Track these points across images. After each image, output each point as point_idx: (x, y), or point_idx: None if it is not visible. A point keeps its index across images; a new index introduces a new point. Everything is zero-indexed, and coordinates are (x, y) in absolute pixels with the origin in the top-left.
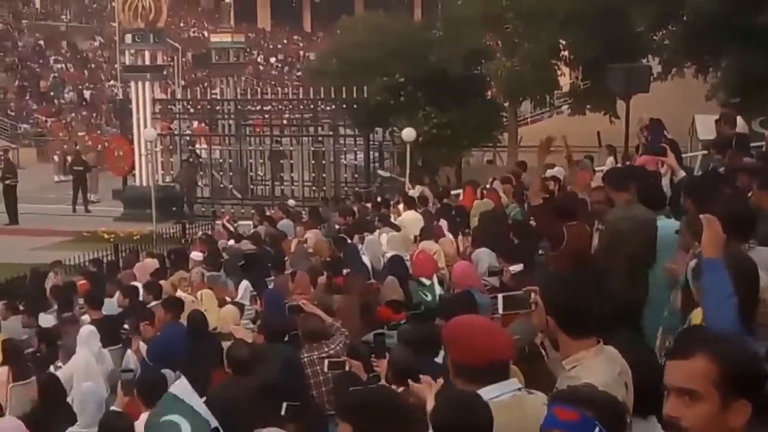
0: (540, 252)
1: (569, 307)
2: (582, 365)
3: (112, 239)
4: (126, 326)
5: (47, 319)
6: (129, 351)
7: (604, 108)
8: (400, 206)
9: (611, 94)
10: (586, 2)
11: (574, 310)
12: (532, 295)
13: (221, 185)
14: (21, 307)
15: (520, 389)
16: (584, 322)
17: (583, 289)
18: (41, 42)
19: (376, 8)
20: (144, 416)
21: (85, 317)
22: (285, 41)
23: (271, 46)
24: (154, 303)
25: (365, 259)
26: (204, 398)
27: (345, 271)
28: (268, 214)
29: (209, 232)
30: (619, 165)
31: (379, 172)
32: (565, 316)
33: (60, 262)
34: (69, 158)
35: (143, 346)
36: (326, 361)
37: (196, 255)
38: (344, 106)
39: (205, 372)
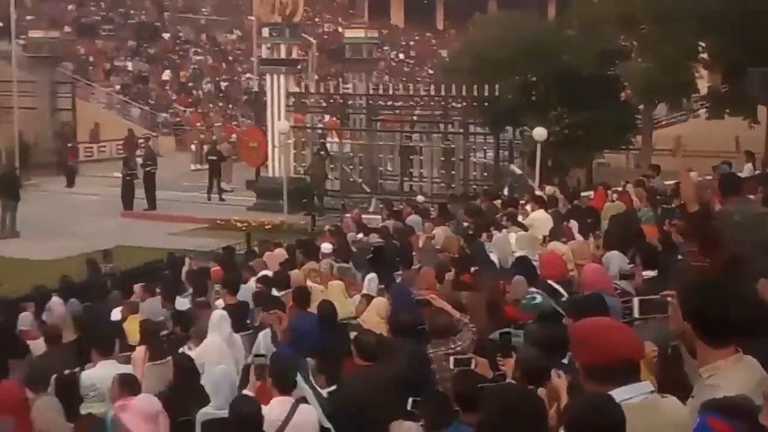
0: (679, 258)
1: (709, 315)
2: (719, 374)
3: (244, 228)
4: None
5: (182, 303)
6: (260, 336)
7: (744, 113)
8: (528, 206)
9: (751, 98)
10: (726, 3)
11: (714, 319)
12: (670, 300)
13: (351, 179)
14: (158, 290)
15: (652, 392)
16: (723, 330)
17: (723, 297)
18: (182, 34)
19: (510, 7)
20: (276, 401)
21: (219, 302)
22: (417, 38)
23: (403, 43)
24: (283, 293)
25: (493, 257)
26: (335, 386)
27: (473, 269)
28: (396, 209)
29: (338, 225)
30: (758, 171)
31: (512, 167)
32: (703, 323)
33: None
34: (205, 148)
35: (269, 335)
36: (452, 358)
37: (326, 246)
38: (475, 103)
39: (335, 361)
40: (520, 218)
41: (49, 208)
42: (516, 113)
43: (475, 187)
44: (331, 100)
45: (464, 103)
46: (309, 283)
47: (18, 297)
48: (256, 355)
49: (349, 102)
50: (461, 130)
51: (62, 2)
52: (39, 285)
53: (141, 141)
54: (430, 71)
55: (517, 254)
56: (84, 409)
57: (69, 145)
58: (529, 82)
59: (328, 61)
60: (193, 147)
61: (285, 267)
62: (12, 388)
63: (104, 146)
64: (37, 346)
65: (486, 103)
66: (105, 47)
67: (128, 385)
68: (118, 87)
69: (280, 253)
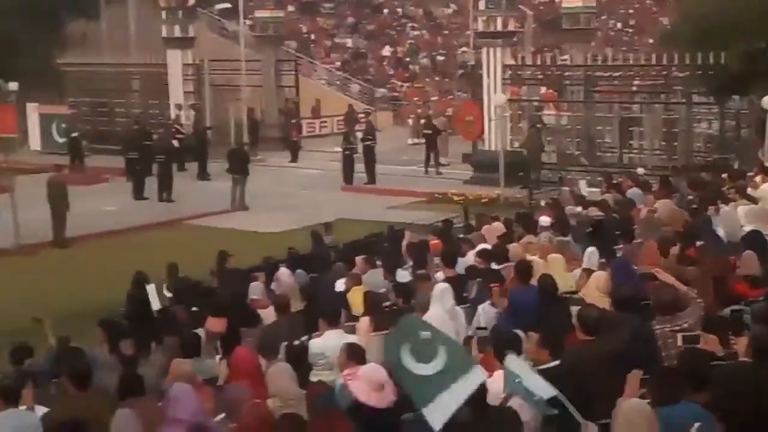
0: None
1: None
2: None
3: (461, 201)
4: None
5: (403, 275)
6: (479, 309)
7: None
8: (758, 178)
9: None
10: None
11: None
12: None
13: (568, 151)
14: (378, 263)
15: None
16: None
17: None
18: (399, 10)
19: None
20: (499, 374)
21: (439, 275)
22: (636, 6)
23: (622, 11)
24: (503, 266)
25: (719, 232)
26: (558, 361)
27: (698, 243)
28: (615, 182)
29: (556, 198)
30: None
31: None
32: None
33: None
34: (422, 122)
35: (492, 310)
36: (680, 335)
37: (544, 220)
38: (698, 72)
39: (557, 335)
40: (749, 190)
41: (275, 183)
42: (743, 81)
43: (698, 158)
44: (548, 72)
45: (686, 72)
46: (527, 256)
47: (248, 268)
48: (478, 328)
49: (566, 74)
50: (684, 100)
51: None
52: (267, 256)
53: (361, 116)
54: (650, 40)
55: (746, 228)
56: (313, 377)
57: (292, 121)
58: (758, 49)
59: (544, 32)
60: (410, 121)
61: (503, 240)
62: (246, 354)
63: (325, 122)
64: (268, 314)
65: (710, 72)
66: (325, 25)
67: (356, 355)
68: (338, 63)
69: (498, 227)
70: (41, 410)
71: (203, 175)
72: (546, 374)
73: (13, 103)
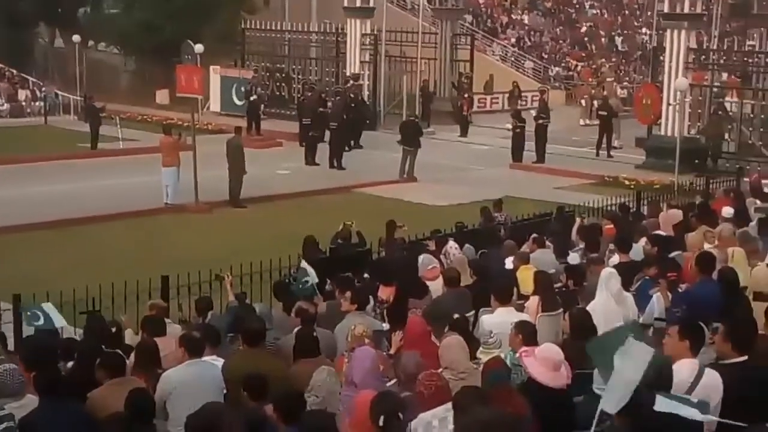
0: None
1: None
2: None
3: (632, 186)
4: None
5: (573, 258)
6: (654, 298)
7: None
8: None
9: None
10: None
11: None
12: None
13: (749, 141)
14: (548, 243)
15: None
16: None
17: None
18: None
19: None
20: (683, 362)
21: (613, 259)
22: None
23: None
24: (675, 253)
25: None
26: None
27: None
28: None
29: (737, 188)
30: None
31: None
32: None
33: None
34: (596, 103)
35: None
36: None
37: (727, 210)
38: None
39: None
40: None
41: (444, 156)
42: None
43: None
44: (734, 58)
45: None
46: (706, 246)
47: (417, 239)
48: (657, 319)
49: (752, 60)
50: None
51: None
52: (435, 229)
53: (534, 94)
54: None
55: None
56: (482, 354)
57: (465, 95)
58: None
59: (730, 16)
60: (583, 102)
61: (680, 229)
62: (420, 322)
63: (497, 98)
64: (436, 287)
65: None
66: (503, 0)
67: (529, 334)
68: (513, 40)
69: (675, 214)
70: (220, 362)
71: (357, 144)
72: (732, 369)
73: (198, 65)
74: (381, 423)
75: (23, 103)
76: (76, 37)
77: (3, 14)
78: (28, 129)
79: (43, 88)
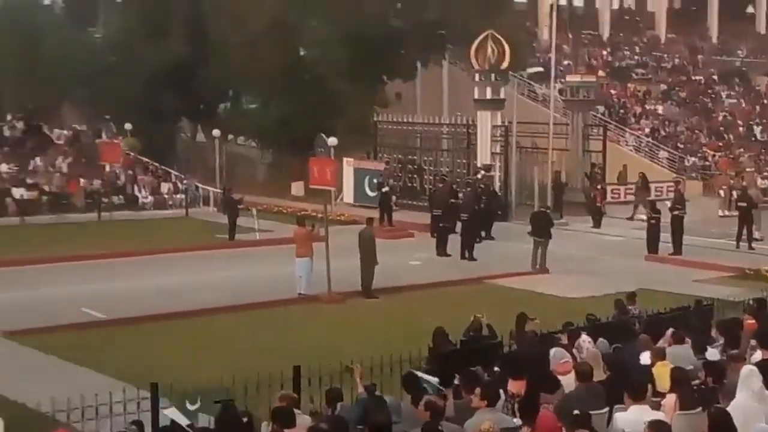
0: None
1: None
2: None
3: None
4: None
5: (712, 353)
6: None
7: None
8: None
9: None
10: None
11: None
12: None
13: None
14: (687, 339)
15: None
16: None
17: None
18: (715, 77)
19: None
20: None
21: (755, 356)
22: None
23: None
24: None
25: None
26: None
27: None
28: None
29: None
30: None
31: None
32: None
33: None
34: (735, 194)
35: None
36: None
37: None
38: None
39: None
40: None
41: (576, 247)
42: None
43: None
44: None
45: None
46: None
47: (548, 332)
48: None
49: None
50: None
51: (598, 47)
52: (567, 321)
53: (670, 185)
54: None
55: None
56: None
57: (598, 186)
58: None
59: None
60: (721, 192)
61: None
62: (551, 418)
63: (631, 188)
64: (568, 381)
65: None
66: (636, 91)
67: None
68: (647, 130)
69: None
70: None
71: (488, 235)
72: None
73: (331, 158)
74: None
75: (165, 196)
76: (216, 132)
77: (148, 110)
78: (169, 221)
79: (185, 181)
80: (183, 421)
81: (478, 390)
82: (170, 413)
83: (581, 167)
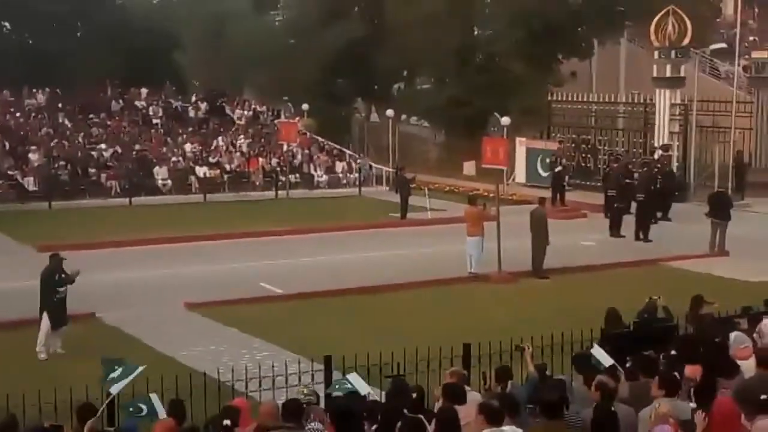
0: None
1: None
2: None
3: None
4: None
5: None
6: None
7: None
8: None
9: None
10: None
11: None
12: None
13: None
14: None
15: None
16: None
17: None
18: None
19: None
20: None
21: None
22: None
23: None
24: None
25: None
26: None
27: None
28: None
29: None
30: None
31: None
32: None
33: None
34: None
35: None
36: None
37: None
38: None
39: None
40: None
41: (759, 230)
42: None
43: None
44: None
45: None
46: None
47: (727, 316)
48: None
49: None
50: None
51: None
52: (747, 306)
53: None
54: None
55: None
56: None
57: None
58: None
59: None
60: None
61: None
62: (729, 403)
63: None
64: (748, 366)
65: None
66: None
67: None
68: None
69: None
70: None
71: (665, 216)
72: None
73: (504, 137)
74: None
75: (340, 175)
76: (389, 112)
77: (324, 91)
78: (343, 199)
79: (359, 160)
80: (363, 388)
81: (656, 378)
82: (353, 378)
83: (766, 147)
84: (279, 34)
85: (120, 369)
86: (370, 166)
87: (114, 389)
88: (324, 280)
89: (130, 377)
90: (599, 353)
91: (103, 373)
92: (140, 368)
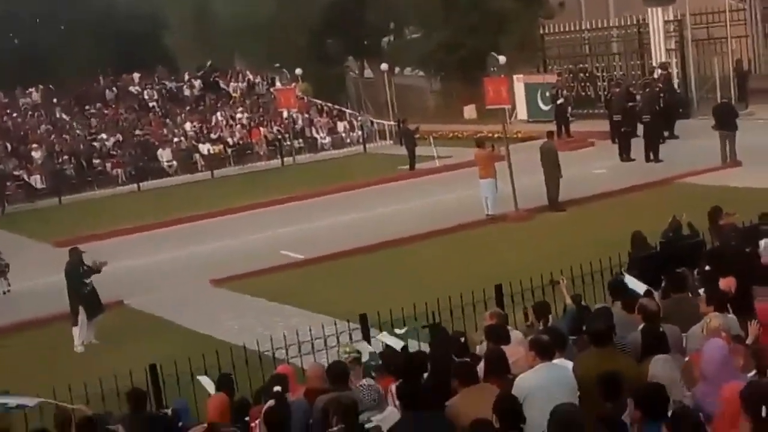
0: None
1: None
2: None
3: None
4: None
5: None
6: None
7: None
8: None
9: None
10: None
11: None
12: None
13: None
14: None
15: None
16: None
17: None
18: None
19: None
20: None
21: None
22: None
23: None
24: None
25: None
26: None
27: None
28: None
29: None
30: None
31: None
32: None
33: None
34: None
35: None
36: None
37: None
38: None
39: None
40: None
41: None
42: None
43: None
44: None
45: None
46: None
47: (754, 224)
48: None
49: None
50: None
51: None
52: (764, 213)
53: None
54: None
55: None
56: None
57: None
58: None
59: None
60: None
61: None
62: None
63: None
64: None
65: None
66: None
67: None
68: None
69: None
70: (568, 364)
71: (672, 134)
72: None
73: (503, 76)
74: (764, 414)
75: (342, 135)
76: (383, 66)
77: (315, 54)
78: (349, 158)
79: (359, 118)
80: (396, 344)
81: (702, 295)
82: (383, 338)
83: (764, 53)
84: (264, 2)
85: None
86: (372, 122)
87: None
88: (343, 240)
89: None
90: (632, 281)
91: None
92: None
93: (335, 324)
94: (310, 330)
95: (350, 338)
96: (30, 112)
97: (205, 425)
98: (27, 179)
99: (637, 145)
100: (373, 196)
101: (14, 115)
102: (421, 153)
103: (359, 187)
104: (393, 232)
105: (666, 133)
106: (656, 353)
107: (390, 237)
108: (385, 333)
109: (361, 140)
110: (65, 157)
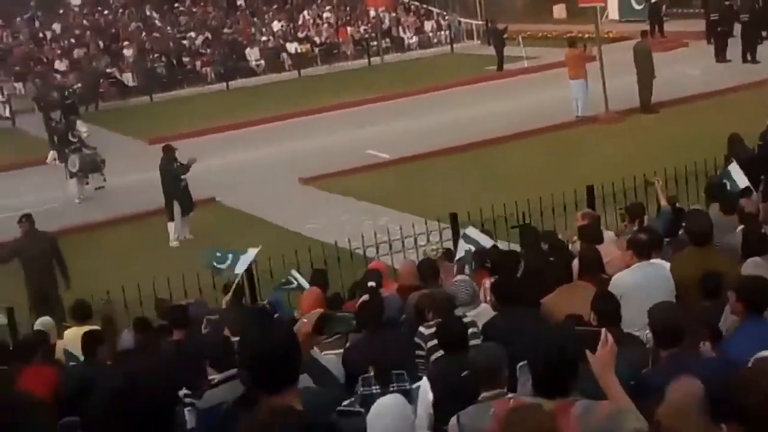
0: None
1: None
2: None
3: None
4: None
5: None
6: None
7: None
8: None
9: None
10: None
11: None
12: None
13: None
14: None
15: None
16: None
17: None
18: None
19: None
20: None
21: None
22: None
23: None
24: None
25: None
26: None
27: None
28: None
29: None
30: None
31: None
32: None
33: None
34: None
35: None
36: None
37: None
38: None
39: None
40: None
41: None
42: None
43: None
44: None
45: None
46: None
47: None
48: None
49: None
50: None
51: None
52: None
53: None
54: None
55: None
56: None
57: None
58: None
59: None
60: None
61: None
62: None
63: None
64: None
65: None
66: None
67: None
68: None
69: None
70: (665, 264)
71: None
72: None
73: None
74: None
75: (430, 34)
76: None
77: None
78: (437, 58)
79: (447, 17)
80: (485, 241)
81: None
82: (470, 231)
83: None
84: None
85: (228, 259)
86: (459, 22)
87: (239, 268)
88: (430, 141)
89: (249, 259)
90: (735, 171)
91: (207, 261)
92: (252, 250)
93: (426, 223)
94: (401, 229)
95: (440, 238)
96: (120, 10)
97: (320, 310)
98: (119, 77)
99: (734, 46)
100: (461, 96)
101: (105, 12)
102: (510, 53)
103: (446, 88)
104: (480, 132)
105: (765, 33)
106: (758, 255)
107: (477, 138)
108: (471, 227)
109: (448, 40)
110: (155, 55)
